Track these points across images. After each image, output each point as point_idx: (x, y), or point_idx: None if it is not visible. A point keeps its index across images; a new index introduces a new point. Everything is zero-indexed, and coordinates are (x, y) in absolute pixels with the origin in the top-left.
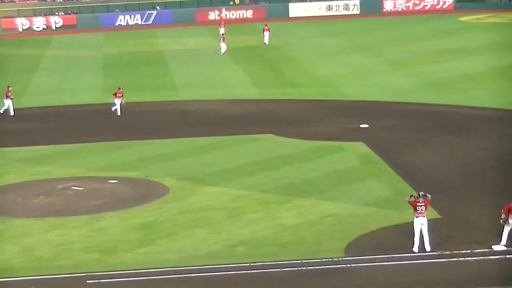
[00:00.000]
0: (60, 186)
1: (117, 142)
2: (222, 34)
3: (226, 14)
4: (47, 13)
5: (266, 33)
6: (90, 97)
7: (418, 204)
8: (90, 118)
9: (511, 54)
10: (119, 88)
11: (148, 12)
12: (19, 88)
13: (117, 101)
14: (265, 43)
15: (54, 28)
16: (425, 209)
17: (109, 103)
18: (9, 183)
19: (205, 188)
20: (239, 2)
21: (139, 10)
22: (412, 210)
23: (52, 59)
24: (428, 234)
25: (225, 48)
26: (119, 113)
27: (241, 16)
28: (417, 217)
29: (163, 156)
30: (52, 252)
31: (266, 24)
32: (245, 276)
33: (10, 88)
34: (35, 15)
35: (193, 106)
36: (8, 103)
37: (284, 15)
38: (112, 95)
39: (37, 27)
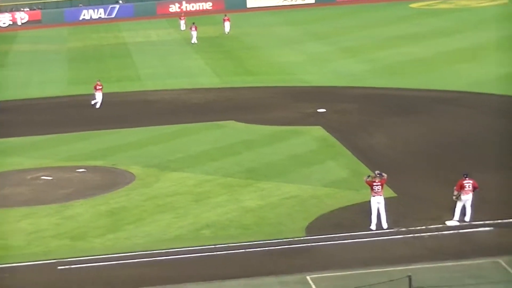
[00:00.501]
0: (29, 177)
1: (84, 132)
2: (193, 23)
3: (186, 7)
4: (13, 9)
5: (227, 23)
6: (57, 90)
7: (374, 183)
8: (57, 110)
9: (459, 38)
10: (98, 81)
11: (111, 6)
12: None
13: (98, 94)
14: (226, 33)
15: (19, 23)
16: (382, 188)
17: (76, 96)
18: None
19: (170, 174)
20: None
21: (102, 4)
22: (369, 190)
23: (18, 54)
24: (385, 212)
25: (195, 37)
26: (98, 106)
27: (201, 8)
28: (374, 196)
29: (129, 145)
30: (24, 241)
31: (226, 15)
32: (210, 258)
33: None
34: (0, 11)
35: (157, 95)
36: None
37: (242, 6)
38: (93, 89)
39: (3, 23)
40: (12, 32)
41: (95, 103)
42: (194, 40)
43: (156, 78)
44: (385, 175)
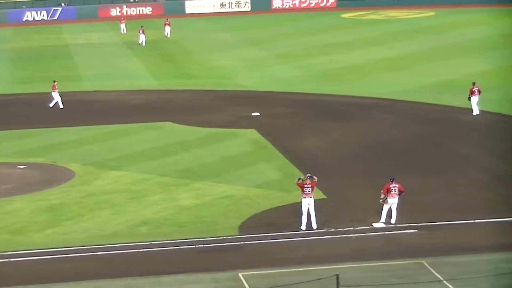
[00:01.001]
0: None
1: (26, 130)
2: (141, 26)
3: (126, 11)
4: None
5: (167, 28)
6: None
7: (305, 185)
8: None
9: (389, 48)
10: (54, 82)
11: (53, 8)
12: None
13: (55, 94)
14: (166, 36)
15: None
16: (312, 190)
17: (18, 94)
18: None
19: (109, 172)
20: (139, 0)
21: (45, 6)
22: (300, 192)
23: None
24: (315, 213)
25: (144, 39)
26: (61, 106)
27: (141, 13)
28: (305, 197)
29: (69, 143)
30: None
31: (167, 19)
32: (146, 254)
33: None
34: None
35: (97, 96)
36: None
37: (181, 11)
38: (51, 89)
39: None
40: None
41: (55, 103)
42: (142, 42)
43: (96, 79)
44: (315, 178)
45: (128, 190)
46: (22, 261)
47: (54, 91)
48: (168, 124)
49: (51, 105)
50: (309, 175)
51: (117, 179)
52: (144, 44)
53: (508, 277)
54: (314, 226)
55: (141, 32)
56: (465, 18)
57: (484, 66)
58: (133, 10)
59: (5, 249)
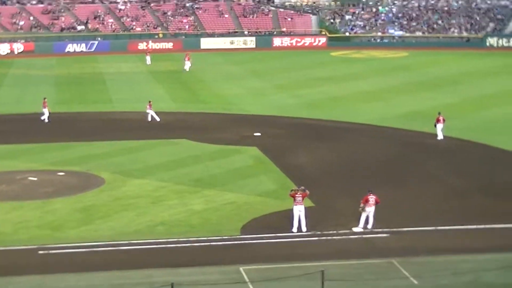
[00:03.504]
0: (18, 177)
1: (65, 143)
2: (186, 54)
3: (151, 45)
4: (11, 40)
5: (187, 62)
6: None
7: (296, 195)
8: (44, 124)
9: (369, 82)
10: (44, 99)
11: (91, 42)
12: None
13: (45, 110)
14: (186, 70)
15: (16, 52)
16: (302, 199)
17: (61, 113)
18: None
19: (133, 180)
20: (162, 36)
21: (84, 40)
22: (292, 200)
23: (14, 76)
24: (305, 218)
25: (190, 65)
26: (46, 120)
27: (164, 47)
28: (296, 205)
29: (101, 155)
30: (12, 229)
31: (188, 54)
32: (163, 249)
33: None
34: (1, 41)
35: (125, 116)
36: None
37: (197, 46)
38: (42, 106)
39: (2, 51)
40: (9, 59)
41: (44, 119)
42: (187, 67)
43: (124, 102)
44: (307, 191)
45: (149, 196)
46: (60, 253)
47: (44, 108)
48: (184, 141)
49: (42, 117)
50: (303, 187)
51: (140, 186)
52: (187, 70)
53: (464, 275)
54: (304, 229)
55: (186, 59)
56: (433, 59)
57: (448, 99)
58: (157, 45)
59: (47, 242)
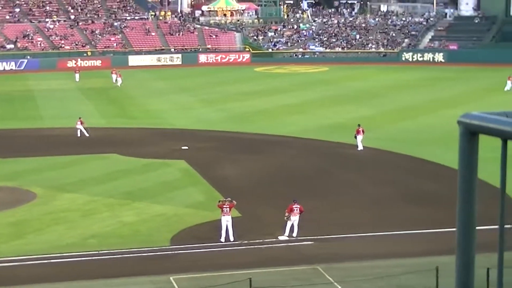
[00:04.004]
0: None
1: None
2: (112, 70)
3: (80, 63)
4: None
5: (114, 75)
6: None
7: (224, 206)
8: None
9: (291, 96)
10: None
11: (20, 60)
12: None
13: None
14: (118, 85)
15: None
16: (230, 210)
17: None
18: None
19: (65, 194)
20: (91, 54)
21: (13, 58)
22: (220, 211)
23: None
24: (232, 228)
25: (120, 81)
26: None
27: (92, 64)
28: (224, 216)
29: (33, 170)
30: None
31: (113, 69)
32: (95, 261)
33: None
34: None
35: (56, 132)
36: None
37: (125, 64)
38: None
39: None
40: None
41: None
42: (119, 83)
43: (55, 118)
44: (234, 201)
45: (80, 209)
46: None
47: None
48: (114, 156)
49: None
50: (229, 198)
51: (72, 200)
52: (119, 85)
53: (381, 280)
54: (232, 238)
55: (116, 74)
56: (352, 73)
57: (366, 111)
58: (86, 62)
59: None
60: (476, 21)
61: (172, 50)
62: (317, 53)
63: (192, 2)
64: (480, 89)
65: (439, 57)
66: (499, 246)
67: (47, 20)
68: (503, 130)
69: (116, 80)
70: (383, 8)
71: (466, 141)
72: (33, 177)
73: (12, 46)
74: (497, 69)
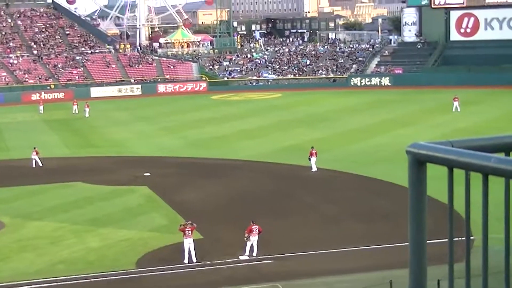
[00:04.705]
0: None
1: None
2: (74, 101)
3: (44, 96)
4: None
5: (75, 106)
6: None
7: (186, 229)
8: None
9: (246, 122)
10: None
11: None
12: None
13: None
14: (75, 113)
15: None
16: (191, 232)
17: None
18: None
19: (33, 222)
20: (54, 87)
21: None
22: (182, 234)
23: None
24: (194, 250)
25: (88, 111)
26: None
27: (56, 97)
28: (186, 238)
29: (1, 200)
30: None
31: (75, 101)
32: (64, 286)
33: None
34: None
35: (21, 163)
36: None
37: (87, 95)
38: None
39: None
40: None
41: None
42: (86, 114)
43: (20, 149)
44: (195, 224)
45: (48, 236)
46: None
47: None
48: (79, 184)
49: None
50: (190, 222)
51: (39, 228)
52: (87, 115)
53: None
54: (194, 260)
55: (77, 105)
56: (304, 98)
57: (318, 134)
58: (49, 95)
59: None
60: (419, 46)
61: (132, 81)
62: (270, 80)
63: (150, 35)
64: (425, 110)
65: (386, 81)
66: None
67: (10, 55)
68: (449, 159)
69: (75, 111)
70: (332, 36)
71: (415, 170)
72: (1, 207)
73: None
74: (439, 91)
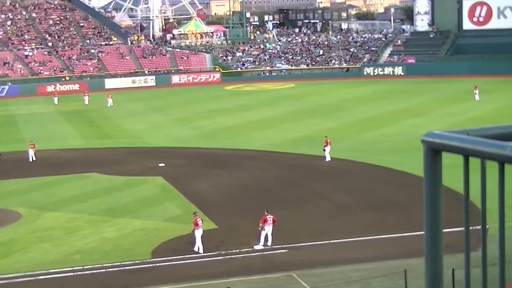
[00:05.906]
0: None
1: None
2: (84, 92)
3: (59, 87)
4: None
5: (86, 97)
6: None
7: (198, 220)
8: None
9: (260, 112)
10: None
11: (1, 87)
12: None
13: None
14: (86, 104)
15: None
16: (202, 223)
17: None
18: None
19: (49, 213)
20: (69, 79)
21: None
22: (193, 225)
23: None
24: (201, 239)
25: (111, 104)
26: None
27: (70, 89)
28: (198, 229)
29: (17, 191)
30: None
31: (86, 91)
32: (80, 276)
33: None
34: None
35: (38, 154)
36: None
37: (101, 87)
38: None
39: None
40: None
41: None
42: (110, 104)
43: (36, 141)
44: (200, 220)
45: (64, 227)
46: None
47: None
48: (94, 175)
49: None
50: (196, 213)
51: (55, 219)
52: (110, 105)
53: (355, 283)
54: (201, 251)
55: (109, 97)
56: (316, 88)
57: (331, 124)
58: (64, 87)
59: None
60: (431, 35)
61: (146, 72)
62: (283, 70)
63: (164, 27)
64: (437, 100)
65: (398, 70)
66: (465, 248)
67: (26, 48)
68: (465, 147)
69: (86, 102)
70: (344, 26)
71: (430, 159)
72: (18, 198)
73: None
74: (452, 80)
